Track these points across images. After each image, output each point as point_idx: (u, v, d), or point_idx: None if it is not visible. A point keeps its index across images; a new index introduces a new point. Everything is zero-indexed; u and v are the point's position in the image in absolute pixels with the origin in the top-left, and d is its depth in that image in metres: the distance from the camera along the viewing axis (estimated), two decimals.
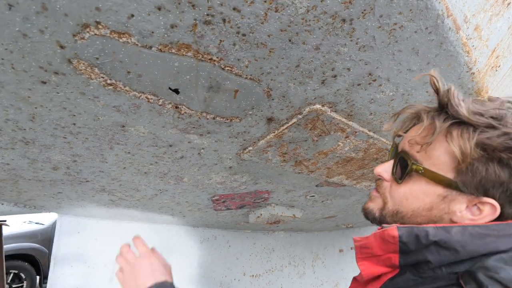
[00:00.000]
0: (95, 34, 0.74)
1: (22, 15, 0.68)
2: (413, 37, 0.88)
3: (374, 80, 1.05)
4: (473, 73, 1.09)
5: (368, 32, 0.85)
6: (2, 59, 0.78)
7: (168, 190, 1.79)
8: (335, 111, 1.20)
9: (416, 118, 0.67)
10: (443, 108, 0.60)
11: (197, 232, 2.80)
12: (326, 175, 1.83)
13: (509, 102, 0.60)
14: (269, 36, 0.81)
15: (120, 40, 0.77)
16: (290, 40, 0.84)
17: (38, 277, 5.89)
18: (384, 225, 0.61)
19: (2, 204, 1.94)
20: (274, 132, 1.28)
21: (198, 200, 2.02)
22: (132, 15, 0.71)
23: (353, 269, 5.15)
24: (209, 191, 1.88)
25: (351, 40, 0.87)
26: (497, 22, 1.02)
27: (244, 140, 1.32)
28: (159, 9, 0.70)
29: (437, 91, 0.62)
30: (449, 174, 0.58)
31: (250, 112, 1.13)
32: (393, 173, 0.66)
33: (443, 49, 0.94)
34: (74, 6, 0.67)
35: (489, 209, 0.57)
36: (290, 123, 1.22)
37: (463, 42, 0.95)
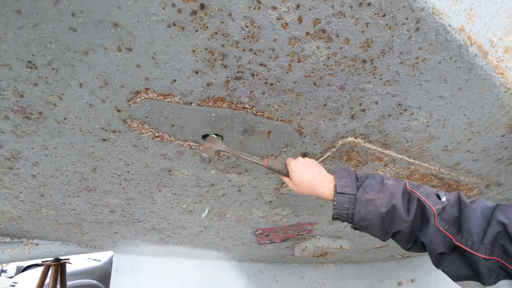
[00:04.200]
0: (145, 98, 0.87)
1: (89, 90, 0.82)
2: (438, 67, 0.90)
3: (405, 110, 1.06)
4: None
5: (391, 68, 0.88)
6: (73, 124, 0.94)
7: (213, 226, 1.86)
8: (369, 142, 1.21)
9: None
10: None
11: (243, 266, 2.81)
12: None
13: None
14: (294, 82, 0.88)
15: (165, 100, 0.89)
16: (315, 84, 0.90)
17: None
18: None
19: (68, 245, 2.15)
20: None
21: (241, 234, 2.06)
22: (175, 80, 0.83)
23: None
24: (252, 225, 1.91)
25: (375, 77, 0.90)
26: None
27: None
28: (197, 72, 0.81)
29: None
30: None
31: (284, 149, 1.19)
32: None
33: (473, 74, 0.94)
34: (129, 79, 0.80)
35: None
36: (325, 156, 1.25)
37: (494, 65, 0.94)
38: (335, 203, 0.82)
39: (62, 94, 0.83)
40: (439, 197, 0.75)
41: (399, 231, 0.77)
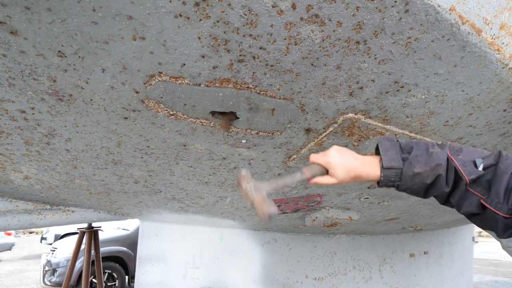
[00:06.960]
0: (159, 80, 0.98)
1: (111, 75, 0.94)
2: (431, 45, 0.94)
3: (402, 87, 1.11)
4: None
5: (384, 48, 0.93)
6: (98, 105, 1.07)
7: (227, 196, 2.01)
8: (370, 118, 1.27)
9: None
10: None
11: (258, 235, 3.00)
12: None
13: None
14: (293, 63, 0.96)
15: (177, 82, 0.99)
16: (312, 64, 0.97)
17: (126, 277, 6.75)
18: None
19: (99, 212, 2.40)
20: (314, 141, 1.40)
21: None
22: (184, 64, 0.92)
23: (428, 276, 4.80)
24: None
25: (369, 57, 0.96)
26: None
27: (287, 149, 1.47)
28: (203, 57, 0.91)
29: None
30: None
31: (289, 125, 1.28)
32: None
33: (467, 51, 0.97)
34: (144, 64, 0.91)
35: None
36: (327, 131, 1.33)
37: (490, 42, 0.96)
38: (382, 178, 0.81)
39: (88, 78, 0.96)
40: (476, 165, 0.76)
41: (437, 196, 0.82)
